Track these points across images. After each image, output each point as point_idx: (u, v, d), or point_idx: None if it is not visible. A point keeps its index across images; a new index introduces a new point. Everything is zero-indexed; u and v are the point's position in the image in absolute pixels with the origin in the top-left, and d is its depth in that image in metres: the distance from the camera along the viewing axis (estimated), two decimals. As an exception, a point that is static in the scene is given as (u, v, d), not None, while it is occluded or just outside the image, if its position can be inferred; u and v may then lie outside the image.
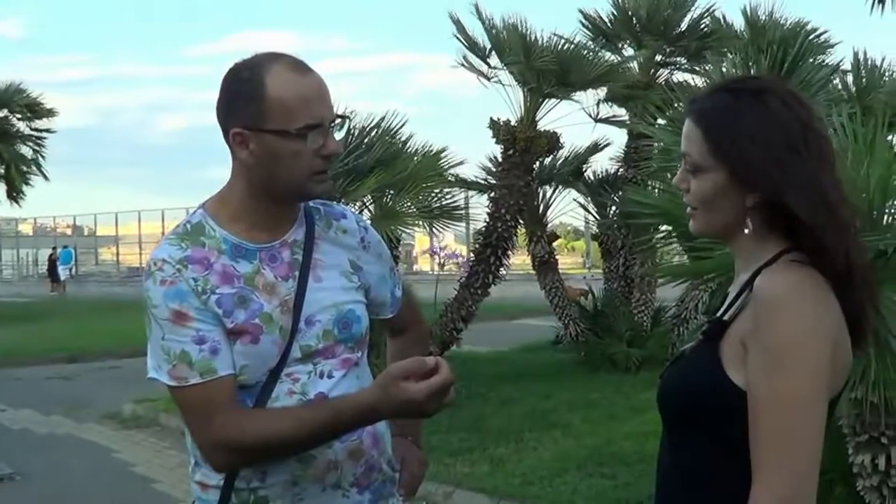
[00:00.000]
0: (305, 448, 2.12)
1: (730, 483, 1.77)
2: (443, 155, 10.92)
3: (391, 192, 10.49)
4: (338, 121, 2.15)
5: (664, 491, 1.94)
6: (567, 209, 14.36)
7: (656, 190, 7.21)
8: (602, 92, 12.73)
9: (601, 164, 15.89)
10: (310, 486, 2.15)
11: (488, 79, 11.85)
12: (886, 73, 9.97)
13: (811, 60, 9.13)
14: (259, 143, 2.08)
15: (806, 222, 1.75)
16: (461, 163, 11.54)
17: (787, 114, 1.80)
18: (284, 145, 2.06)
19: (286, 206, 2.21)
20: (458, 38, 11.83)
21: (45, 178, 26.66)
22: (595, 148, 14.10)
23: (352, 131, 10.30)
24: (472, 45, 11.82)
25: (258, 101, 2.06)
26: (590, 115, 13.31)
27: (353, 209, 10.46)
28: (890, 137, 5.45)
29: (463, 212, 11.91)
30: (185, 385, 2.08)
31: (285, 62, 2.10)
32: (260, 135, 2.07)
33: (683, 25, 13.51)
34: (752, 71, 8.13)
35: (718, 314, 1.88)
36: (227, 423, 2.08)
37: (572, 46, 11.49)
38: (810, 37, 10.98)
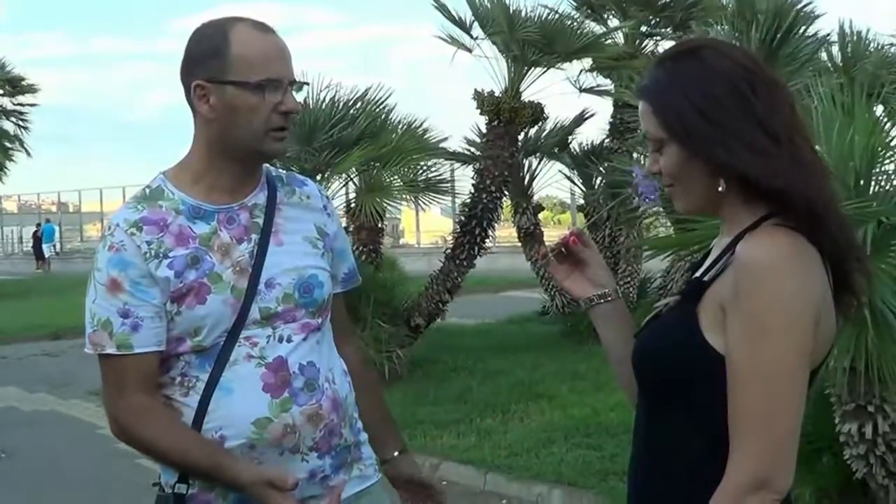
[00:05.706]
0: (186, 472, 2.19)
1: (703, 449, 1.75)
2: (426, 127, 10.89)
3: (377, 165, 10.45)
4: (296, 84, 2.20)
5: (639, 454, 1.91)
6: (552, 181, 14.29)
7: (642, 159, 7.18)
8: (587, 63, 12.67)
9: (587, 135, 15.83)
10: (267, 450, 2.15)
11: (470, 51, 11.76)
12: (871, 44, 9.95)
13: (800, 32, 9.09)
14: (219, 95, 2.14)
15: (749, 175, 1.72)
16: (446, 138, 11.54)
17: (727, 64, 1.76)
18: (244, 98, 2.13)
19: (246, 166, 2.24)
20: (437, 8, 11.73)
21: (28, 154, 26.50)
22: (580, 119, 14.03)
23: (336, 104, 10.25)
24: (453, 17, 11.72)
25: (221, 56, 2.13)
26: (574, 85, 13.26)
27: (338, 181, 10.41)
28: (878, 107, 5.43)
29: (449, 185, 11.87)
30: (100, 353, 2.16)
31: (249, 22, 2.19)
32: (221, 87, 2.13)
33: (669, -5, 13.41)
34: (739, 42, 8.07)
35: (698, 274, 1.84)
36: (131, 408, 2.16)
37: (556, 16, 11.41)
38: (797, 7, 10.93)
